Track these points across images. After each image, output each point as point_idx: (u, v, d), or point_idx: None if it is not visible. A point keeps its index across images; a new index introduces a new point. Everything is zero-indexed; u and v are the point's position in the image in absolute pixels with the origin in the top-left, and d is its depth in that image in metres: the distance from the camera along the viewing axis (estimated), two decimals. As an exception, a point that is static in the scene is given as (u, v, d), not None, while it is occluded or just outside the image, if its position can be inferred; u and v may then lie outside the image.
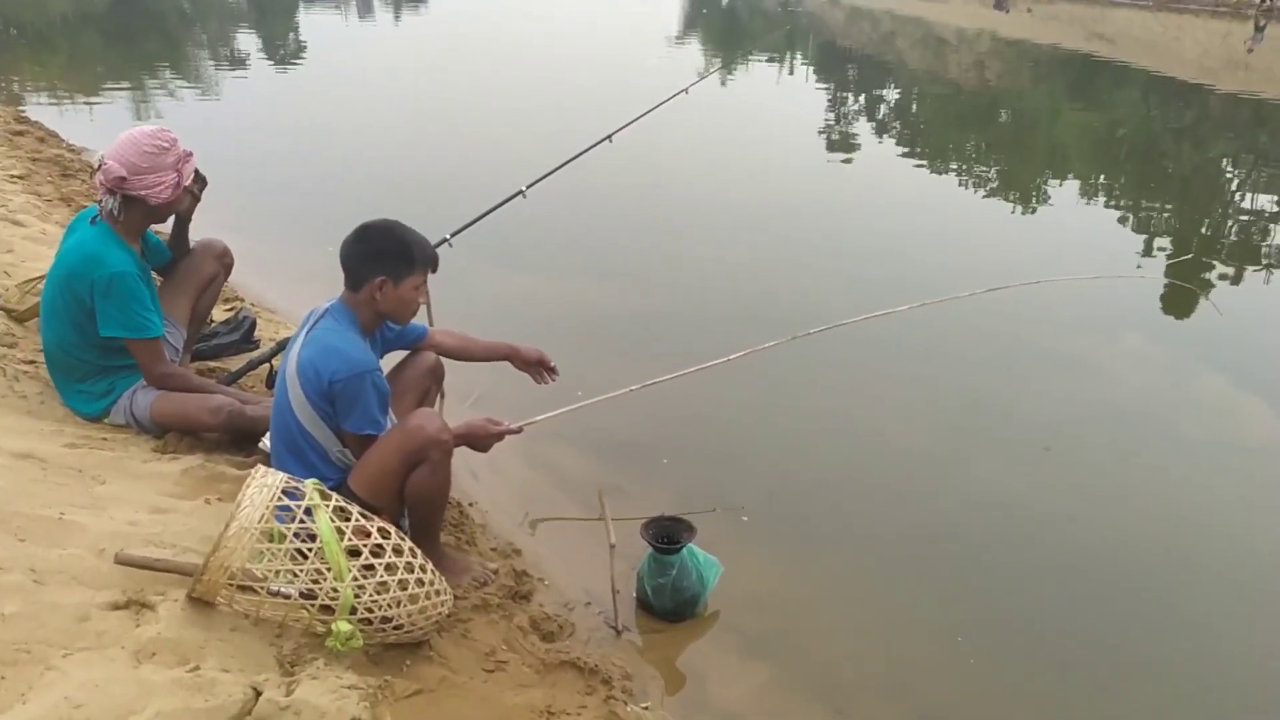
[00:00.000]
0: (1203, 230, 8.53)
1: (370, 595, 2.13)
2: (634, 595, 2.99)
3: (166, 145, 2.91)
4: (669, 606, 2.89)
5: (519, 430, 2.80)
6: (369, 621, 2.16)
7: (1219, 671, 3.00)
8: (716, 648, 2.89)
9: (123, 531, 2.33)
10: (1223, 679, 2.97)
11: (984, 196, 9.25)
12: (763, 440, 4.22)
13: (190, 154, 3.03)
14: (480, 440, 2.73)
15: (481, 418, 2.75)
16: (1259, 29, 25.59)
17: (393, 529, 2.25)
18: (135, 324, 2.90)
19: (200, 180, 3.20)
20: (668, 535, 2.92)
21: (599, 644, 2.77)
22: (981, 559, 3.47)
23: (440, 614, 2.33)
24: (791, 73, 18.72)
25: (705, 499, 3.53)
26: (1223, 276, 7.02)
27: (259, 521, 2.07)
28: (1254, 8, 28.51)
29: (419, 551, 2.28)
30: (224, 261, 3.51)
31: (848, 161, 10.57)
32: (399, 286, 2.50)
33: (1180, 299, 6.46)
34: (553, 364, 3.10)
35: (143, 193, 2.90)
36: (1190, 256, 7.36)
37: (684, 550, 2.85)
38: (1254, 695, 2.92)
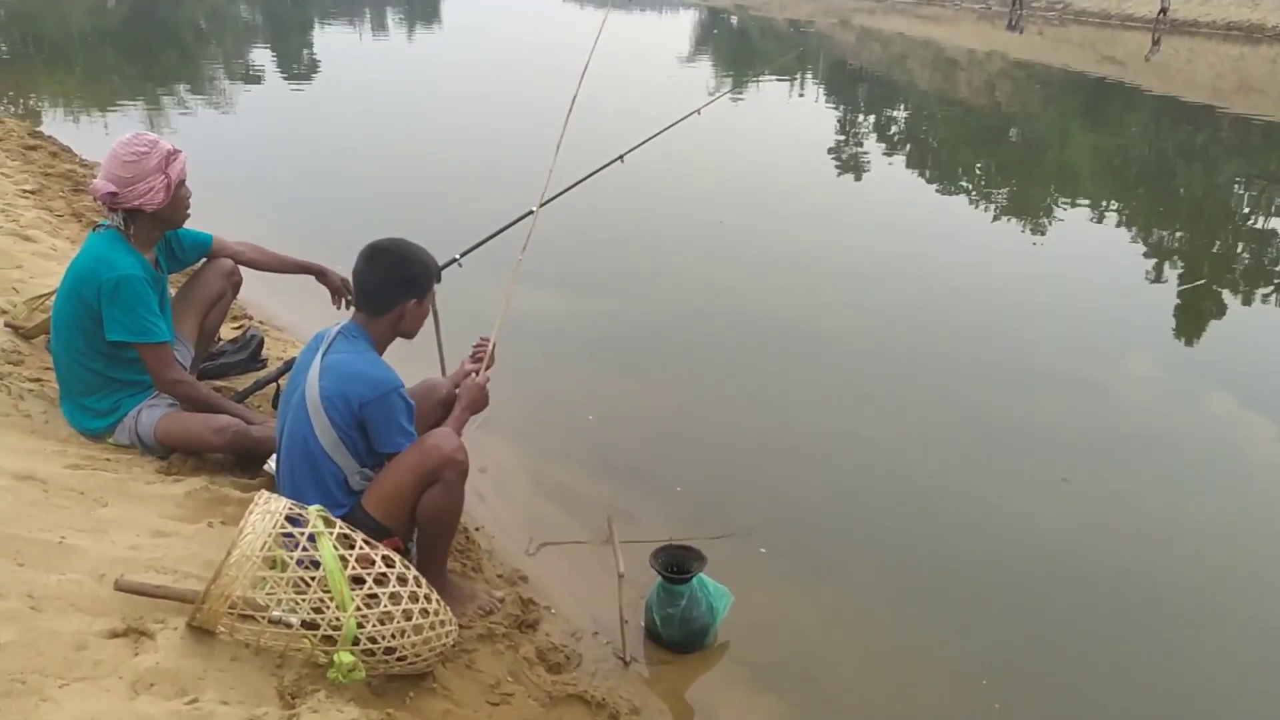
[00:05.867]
0: (1214, 251, 8.48)
1: (373, 625, 2.08)
2: (642, 625, 2.93)
3: (145, 149, 2.84)
4: (678, 637, 2.82)
5: (490, 358, 2.79)
6: (372, 652, 2.11)
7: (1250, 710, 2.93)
8: (726, 680, 2.82)
9: (124, 556, 2.29)
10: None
11: (993, 218, 9.22)
12: (773, 464, 4.16)
13: (177, 152, 2.93)
14: (480, 404, 2.72)
15: (462, 376, 2.79)
16: (1155, 42, 28.11)
17: (397, 557, 2.21)
18: (141, 328, 2.86)
19: None
20: (678, 564, 2.86)
21: (606, 676, 2.71)
22: (1003, 595, 3.38)
23: (445, 645, 2.27)
24: (802, 93, 18.76)
25: (715, 524, 3.47)
26: (1234, 297, 7.04)
27: (261, 549, 2.02)
28: (1152, 24, 31.51)
29: (423, 580, 2.24)
30: (232, 280, 3.47)
31: (857, 180, 10.57)
32: (422, 304, 2.57)
33: (1192, 320, 6.42)
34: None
35: (137, 203, 2.86)
36: (1203, 282, 7.31)
37: (694, 580, 2.79)
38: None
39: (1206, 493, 4.13)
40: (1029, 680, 2.98)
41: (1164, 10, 31.64)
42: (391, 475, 2.46)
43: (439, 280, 2.63)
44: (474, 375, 2.76)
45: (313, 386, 2.41)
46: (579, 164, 4.17)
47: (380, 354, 2.54)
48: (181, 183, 2.96)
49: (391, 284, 2.49)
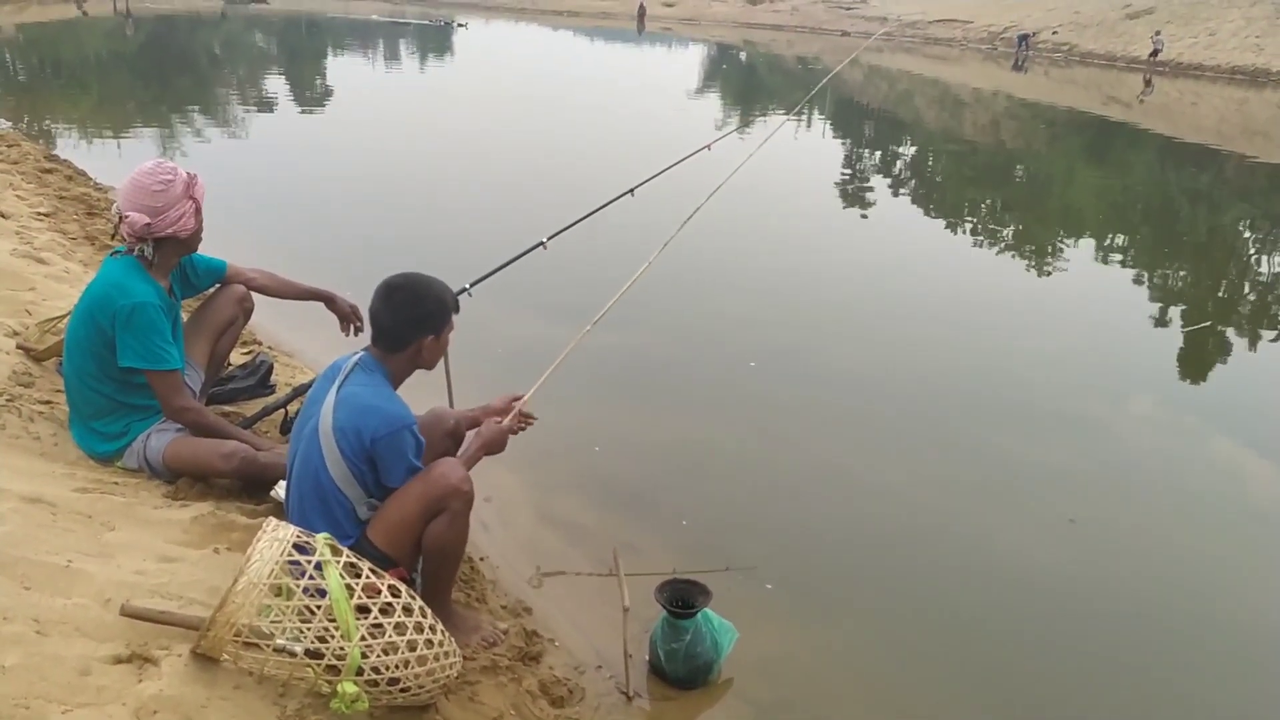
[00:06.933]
0: (1220, 295, 8.50)
1: (378, 655, 2.08)
2: (646, 660, 2.92)
3: (170, 177, 2.89)
4: (682, 673, 2.81)
5: (523, 422, 2.84)
6: (375, 683, 2.09)
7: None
8: (729, 717, 2.80)
9: (130, 581, 2.29)
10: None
11: (998, 255, 9.25)
12: (779, 499, 4.15)
13: (195, 176, 2.98)
14: (498, 447, 2.74)
15: (483, 416, 2.83)
16: (1147, 83, 29.11)
17: (403, 587, 2.20)
18: (153, 355, 2.89)
19: None
20: (683, 599, 2.85)
21: (609, 710, 2.69)
22: (1010, 635, 3.35)
23: (448, 676, 2.26)
24: (809, 128, 18.92)
25: (720, 558, 3.46)
26: (1239, 337, 7.08)
27: (268, 577, 2.02)
28: (1146, 65, 32.84)
29: (429, 611, 2.23)
30: (243, 306, 3.50)
31: (863, 216, 10.62)
32: (440, 338, 2.56)
33: (1197, 360, 6.42)
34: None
35: (170, 230, 2.91)
36: (1209, 324, 7.32)
37: (699, 615, 2.78)
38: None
39: (1214, 534, 4.11)
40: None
41: (1155, 52, 32.92)
42: (397, 504, 2.46)
43: (457, 311, 2.63)
44: (500, 419, 2.77)
45: (326, 418, 2.41)
46: (590, 197, 4.23)
47: (396, 388, 2.55)
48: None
49: (407, 322, 2.49)
